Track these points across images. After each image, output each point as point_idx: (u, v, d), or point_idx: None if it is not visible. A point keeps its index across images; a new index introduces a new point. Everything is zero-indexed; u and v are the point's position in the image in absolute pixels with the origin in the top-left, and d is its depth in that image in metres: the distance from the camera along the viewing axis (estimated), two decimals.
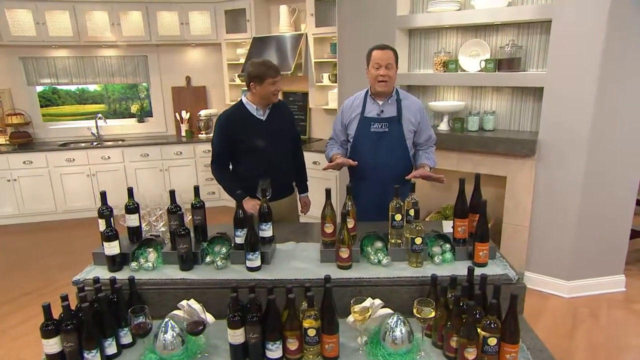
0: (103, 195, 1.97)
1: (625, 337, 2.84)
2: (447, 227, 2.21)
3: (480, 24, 3.39)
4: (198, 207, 2.04)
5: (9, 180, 4.92)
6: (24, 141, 5.18)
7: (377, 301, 1.65)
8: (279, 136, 2.59)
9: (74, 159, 5.04)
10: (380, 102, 2.50)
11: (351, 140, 2.59)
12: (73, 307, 1.55)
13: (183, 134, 5.61)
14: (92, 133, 5.56)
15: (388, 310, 1.68)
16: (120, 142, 5.40)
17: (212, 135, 5.68)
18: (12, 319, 3.16)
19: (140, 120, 5.85)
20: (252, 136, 2.52)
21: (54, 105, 5.88)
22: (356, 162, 2.48)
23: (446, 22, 3.39)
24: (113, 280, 1.68)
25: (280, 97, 2.61)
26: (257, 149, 2.53)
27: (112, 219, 1.91)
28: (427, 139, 2.59)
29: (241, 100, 2.58)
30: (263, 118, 2.55)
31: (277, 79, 2.45)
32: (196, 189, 2.03)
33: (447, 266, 1.90)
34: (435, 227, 2.31)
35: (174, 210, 1.95)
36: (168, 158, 5.31)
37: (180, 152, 5.30)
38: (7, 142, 5.16)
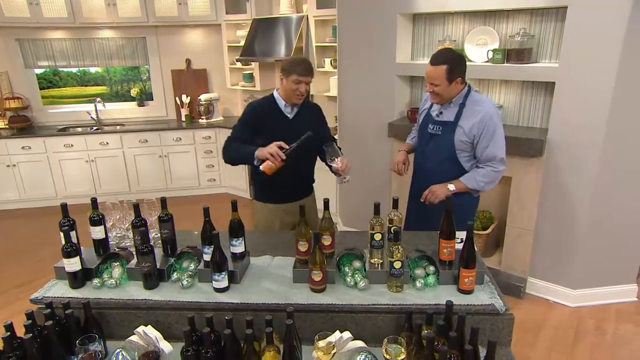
0: (64, 207, 1.86)
1: (632, 357, 2.65)
2: None
3: (489, 10, 3.09)
4: (165, 219, 1.92)
5: (8, 166, 4.89)
6: (23, 125, 5.12)
7: (346, 334, 1.52)
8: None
9: (72, 145, 4.98)
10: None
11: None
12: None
13: (183, 118, 5.47)
14: (91, 117, 5.46)
15: (359, 344, 1.55)
16: (118, 128, 5.30)
17: (212, 119, 5.50)
18: (1, 314, 3.15)
19: (141, 104, 5.72)
20: (274, 130, 2.38)
21: (56, 87, 5.79)
22: (402, 175, 2.50)
23: (452, 6, 3.11)
24: (66, 305, 1.58)
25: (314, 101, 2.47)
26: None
27: (72, 233, 1.80)
28: (481, 155, 2.23)
29: (272, 93, 2.47)
30: (290, 116, 2.44)
31: (302, 78, 2.30)
32: (163, 201, 1.90)
33: (429, 291, 1.74)
34: (425, 241, 2.14)
35: (137, 225, 1.83)
36: (167, 144, 5.19)
37: (180, 138, 5.18)
38: (7, 127, 5.12)
